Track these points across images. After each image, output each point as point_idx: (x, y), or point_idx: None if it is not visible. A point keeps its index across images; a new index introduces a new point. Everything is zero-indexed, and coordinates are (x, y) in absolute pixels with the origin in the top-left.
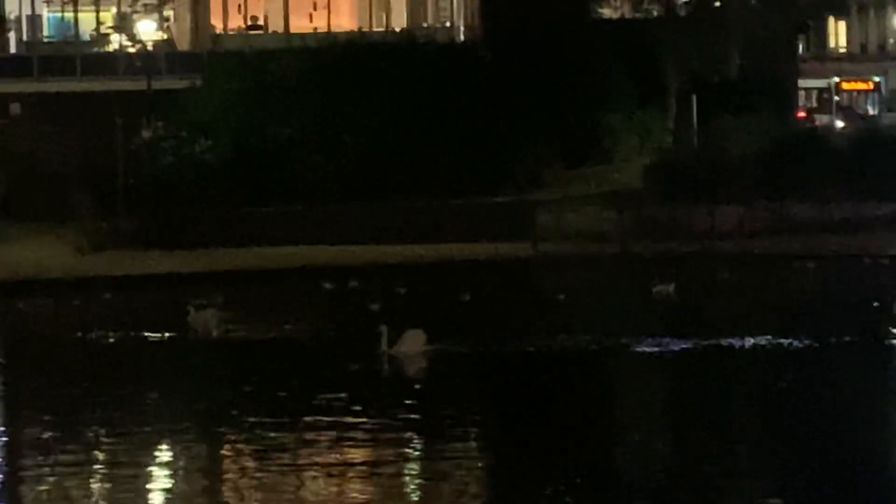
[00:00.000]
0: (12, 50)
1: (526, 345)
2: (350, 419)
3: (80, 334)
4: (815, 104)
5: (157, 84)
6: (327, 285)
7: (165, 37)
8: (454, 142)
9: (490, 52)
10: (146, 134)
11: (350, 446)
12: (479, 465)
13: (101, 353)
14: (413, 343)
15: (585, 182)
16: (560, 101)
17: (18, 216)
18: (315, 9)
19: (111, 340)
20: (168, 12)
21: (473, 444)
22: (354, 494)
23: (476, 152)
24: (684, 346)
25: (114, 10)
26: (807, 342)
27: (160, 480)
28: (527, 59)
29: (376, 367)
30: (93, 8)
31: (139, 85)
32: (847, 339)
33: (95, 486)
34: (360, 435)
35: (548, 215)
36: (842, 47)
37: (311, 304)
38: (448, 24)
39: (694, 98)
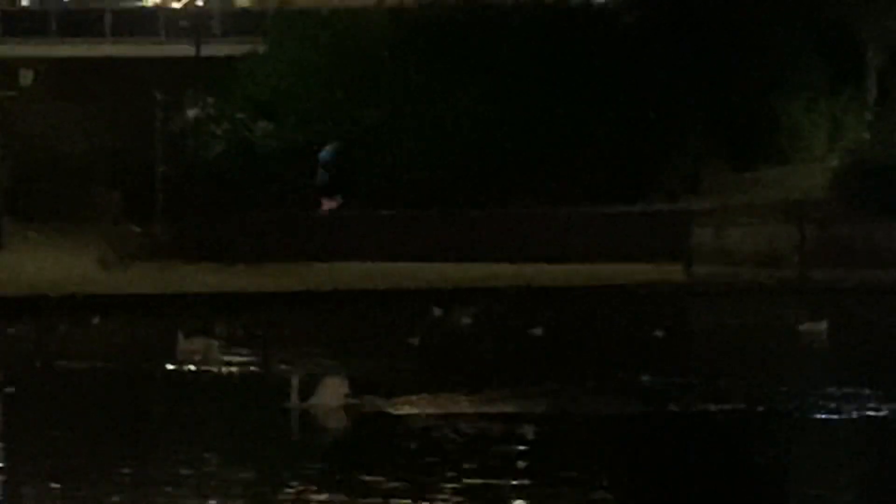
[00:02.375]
0: (24, 2)
1: (644, 404)
2: None
3: (90, 365)
4: None
5: (208, 49)
6: (429, 313)
7: None
8: (588, 133)
9: (635, 17)
10: (192, 113)
11: None
12: None
13: (114, 389)
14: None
15: (755, 189)
16: (724, 84)
17: (28, 216)
18: None
19: (129, 374)
20: None
21: None
22: None
23: (616, 147)
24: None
25: None
26: None
27: None
28: (682, 27)
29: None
30: None
31: (185, 50)
32: None
33: None
34: None
35: (706, 230)
36: None
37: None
38: None
39: None
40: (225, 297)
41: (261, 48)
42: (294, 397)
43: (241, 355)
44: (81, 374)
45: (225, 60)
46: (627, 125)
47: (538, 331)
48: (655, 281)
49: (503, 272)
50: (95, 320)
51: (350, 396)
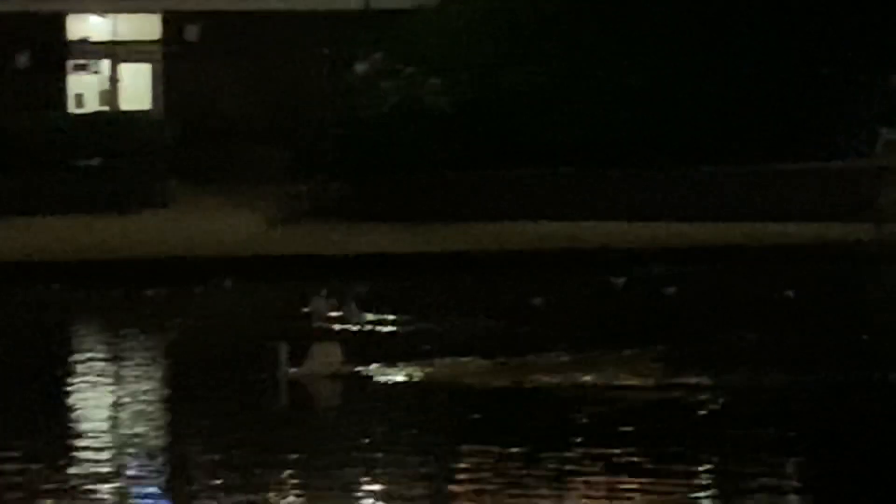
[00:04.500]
0: None
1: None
2: None
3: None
4: None
5: (378, 3)
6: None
7: None
8: (762, 81)
9: None
10: (361, 69)
11: None
12: None
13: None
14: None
15: None
16: None
17: (192, 176)
18: None
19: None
20: None
21: None
22: None
23: (794, 96)
24: None
25: None
26: None
27: None
28: None
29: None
30: None
31: (354, 4)
32: None
33: None
34: None
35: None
36: None
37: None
38: None
39: None
40: (390, 257)
41: (433, 2)
42: (283, 365)
43: (385, 317)
44: (228, 337)
45: (395, 15)
46: (805, 69)
47: (670, 290)
48: (839, 242)
49: (685, 231)
50: (258, 281)
51: (344, 363)
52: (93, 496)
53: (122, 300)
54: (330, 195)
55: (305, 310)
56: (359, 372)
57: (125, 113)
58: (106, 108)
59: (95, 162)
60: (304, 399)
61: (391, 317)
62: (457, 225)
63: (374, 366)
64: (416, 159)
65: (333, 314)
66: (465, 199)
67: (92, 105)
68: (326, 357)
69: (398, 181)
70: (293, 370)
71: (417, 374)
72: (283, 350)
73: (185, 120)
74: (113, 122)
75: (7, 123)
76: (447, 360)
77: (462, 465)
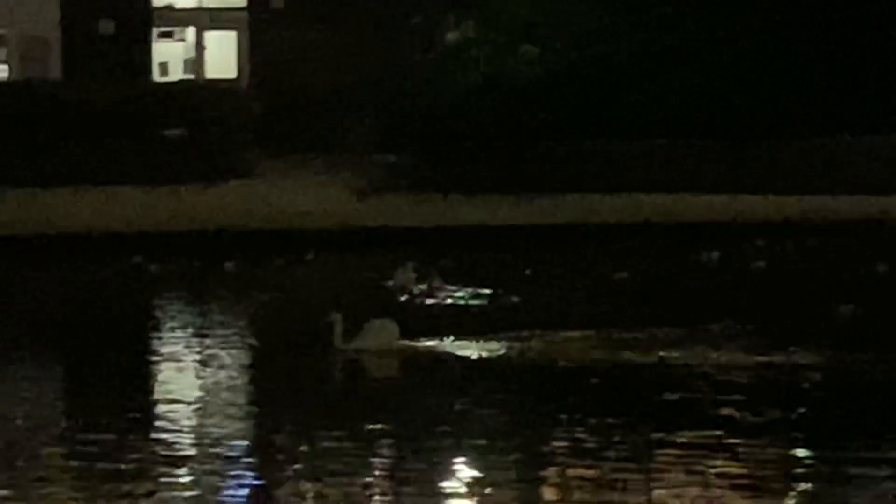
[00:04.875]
0: None
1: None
2: None
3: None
4: None
5: None
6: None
7: None
8: (867, 56)
9: None
10: (451, 37)
11: None
12: None
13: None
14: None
15: None
16: None
17: (278, 146)
18: None
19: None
20: None
21: None
22: None
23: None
24: None
25: None
26: None
27: None
28: None
29: None
30: None
31: None
32: None
33: None
34: None
35: None
36: None
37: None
38: None
39: None
40: (478, 229)
41: None
42: (337, 340)
43: (471, 290)
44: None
45: None
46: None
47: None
48: None
49: (782, 204)
50: (346, 252)
51: (400, 339)
52: (177, 466)
53: (205, 272)
54: (419, 166)
55: (389, 283)
56: (431, 347)
57: (211, 82)
58: (191, 77)
59: (180, 132)
60: (385, 372)
61: (477, 290)
62: (547, 197)
63: (457, 341)
64: (506, 130)
65: (417, 287)
66: (556, 170)
67: (177, 73)
68: (383, 333)
69: (488, 152)
70: (348, 345)
71: (502, 348)
72: (340, 324)
73: (272, 89)
74: (198, 91)
75: (91, 92)
76: (534, 335)
77: (551, 444)
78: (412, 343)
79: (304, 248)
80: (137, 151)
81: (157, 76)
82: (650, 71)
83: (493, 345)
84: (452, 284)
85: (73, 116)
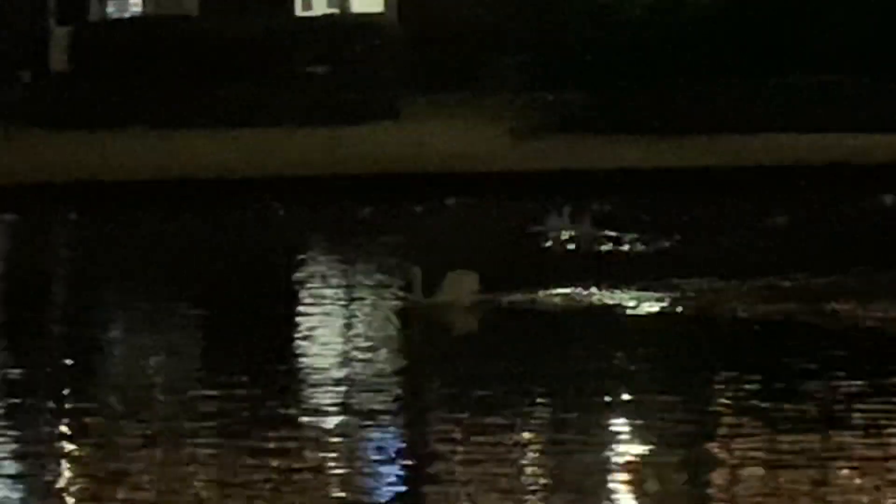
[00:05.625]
0: None
1: None
2: None
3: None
4: None
5: None
6: None
7: None
8: None
9: None
10: None
11: None
12: None
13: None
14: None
15: None
16: None
17: (427, 85)
18: None
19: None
20: None
21: None
22: None
23: None
24: None
25: None
26: None
27: None
28: None
29: None
30: None
31: None
32: None
33: None
34: None
35: None
36: None
37: None
38: None
39: None
40: (633, 173)
41: None
42: (417, 293)
43: (625, 236)
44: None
45: None
46: None
47: None
48: None
49: None
50: (493, 197)
51: (480, 292)
52: (316, 419)
53: (347, 217)
54: (576, 105)
55: (536, 229)
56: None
57: (357, 16)
58: (335, 11)
59: (323, 69)
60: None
61: (630, 236)
62: (707, 138)
63: (610, 290)
64: (668, 67)
65: (567, 234)
66: (719, 109)
67: (320, 7)
68: (462, 286)
69: (647, 91)
70: (425, 300)
71: (657, 299)
72: (418, 278)
73: (421, 24)
74: (342, 25)
75: (229, 28)
76: (689, 283)
77: (711, 402)
78: (492, 296)
79: (448, 192)
80: (277, 91)
81: (299, 10)
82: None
83: (646, 295)
84: (605, 230)
85: (209, 54)
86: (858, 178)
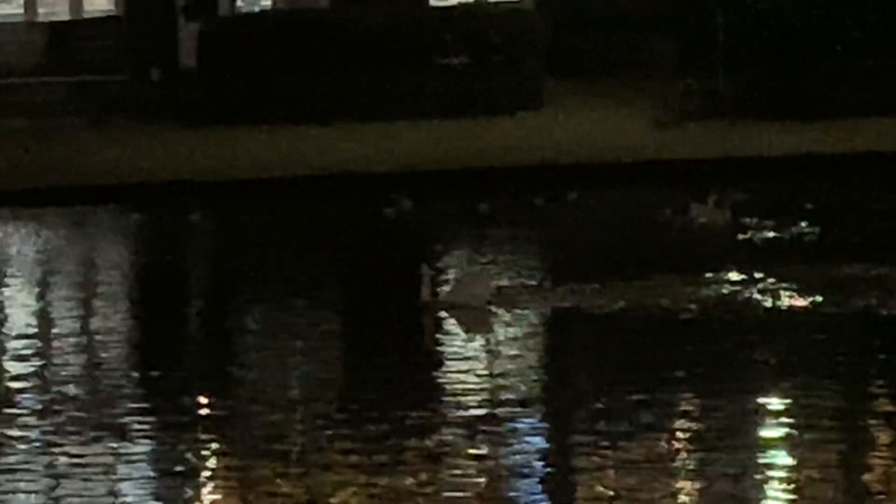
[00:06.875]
0: None
1: None
2: None
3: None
4: None
5: None
6: None
7: None
8: None
9: None
10: None
11: None
12: None
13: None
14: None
15: None
16: None
17: (569, 74)
18: None
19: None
20: None
21: None
22: None
23: None
24: None
25: None
26: None
27: None
28: None
29: None
30: None
31: None
32: None
33: None
34: None
35: None
36: None
37: None
38: None
39: None
40: (777, 160)
41: None
42: (426, 291)
43: (766, 223)
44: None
45: None
46: None
47: None
48: None
49: None
50: (636, 187)
51: (496, 294)
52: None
53: (483, 211)
54: (725, 91)
55: (682, 217)
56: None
57: (495, 4)
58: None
59: (460, 60)
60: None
61: (770, 223)
62: (854, 121)
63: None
64: (812, 49)
65: (711, 223)
66: (866, 92)
67: None
68: (475, 287)
69: (803, 73)
70: (435, 297)
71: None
72: (428, 277)
73: (562, 10)
74: (480, 13)
75: (360, 17)
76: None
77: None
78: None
79: (594, 182)
80: (412, 82)
81: None
82: None
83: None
84: (747, 219)
85: (340, 46)
86: None
